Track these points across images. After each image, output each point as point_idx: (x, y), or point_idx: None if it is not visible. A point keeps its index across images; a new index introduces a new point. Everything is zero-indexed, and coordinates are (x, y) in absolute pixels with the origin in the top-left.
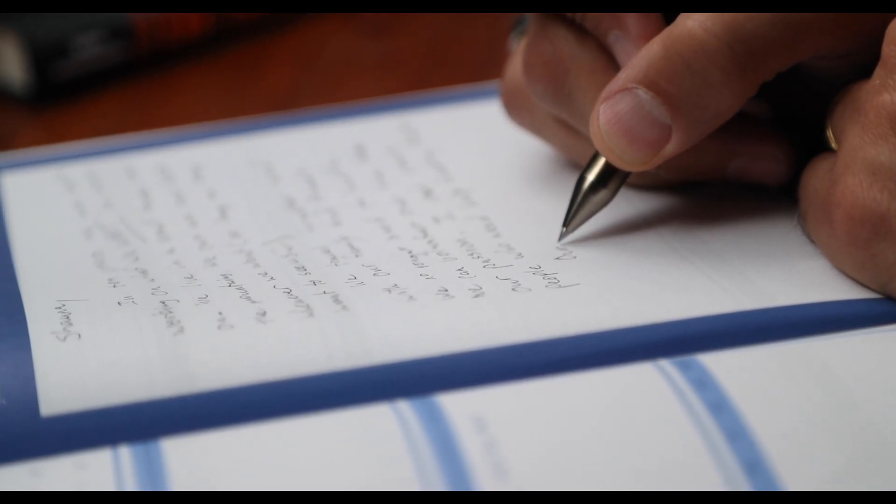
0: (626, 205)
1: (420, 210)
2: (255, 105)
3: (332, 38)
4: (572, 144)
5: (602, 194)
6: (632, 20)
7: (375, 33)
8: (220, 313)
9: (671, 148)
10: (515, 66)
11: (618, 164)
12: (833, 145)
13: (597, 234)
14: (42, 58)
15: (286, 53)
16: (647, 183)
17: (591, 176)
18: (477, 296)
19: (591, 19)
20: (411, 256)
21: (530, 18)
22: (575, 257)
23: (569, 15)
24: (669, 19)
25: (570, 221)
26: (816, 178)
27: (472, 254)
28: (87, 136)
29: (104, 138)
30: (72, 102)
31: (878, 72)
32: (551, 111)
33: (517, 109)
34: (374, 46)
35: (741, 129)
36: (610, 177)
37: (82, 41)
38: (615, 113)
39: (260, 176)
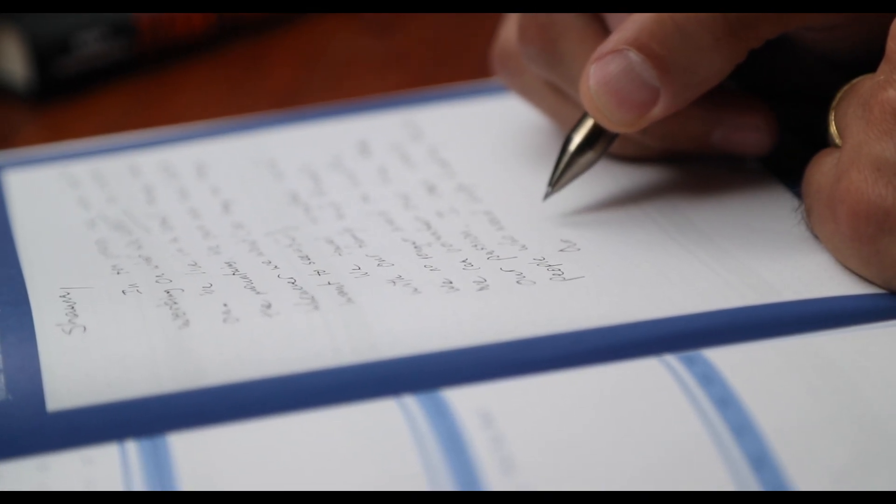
0: (625, 195)
1: (423, 205)
2: (258, 103)
3: (335, 36)
4: (561, 109)
5: (588, 156)
6: None
7: (378, 31)
8: (224, 305)
9: (658, 110)
10: (509, 27)
11: (605, 124)
12: (837, 141)
13: (599, 224)
14: (44, 55)
15: (289, 51)
16: (631, 153)
17: (577, 137)
18: (481, 289)
19: None
20: (415, 247)
21: None
22: (579, 249)
23: None
24: None
25: (555, 182)
26: (821, 173)
27: (475, 245)
28: (90, 133)
29: (107, 136)
30: (74, 100)
31: (883, 67)
32: (542, 74)
33: (508, 71)
34: (377, 44)
35: (726, 98)
36: (597, 139)
37: (85, 38)
38: (605, 74)
39: (263, 172)
